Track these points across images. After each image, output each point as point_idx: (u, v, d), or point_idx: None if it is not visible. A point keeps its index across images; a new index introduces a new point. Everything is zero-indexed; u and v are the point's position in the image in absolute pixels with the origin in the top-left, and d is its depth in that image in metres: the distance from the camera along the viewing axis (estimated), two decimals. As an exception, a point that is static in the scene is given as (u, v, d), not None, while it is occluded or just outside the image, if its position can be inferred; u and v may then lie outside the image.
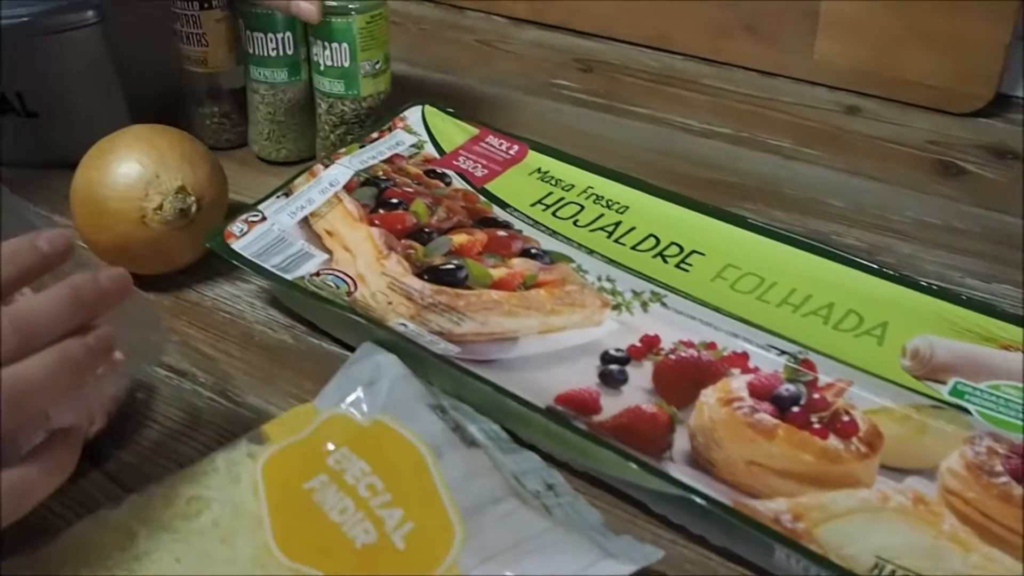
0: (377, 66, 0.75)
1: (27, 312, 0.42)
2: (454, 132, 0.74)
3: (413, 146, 0.72)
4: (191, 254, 0.68)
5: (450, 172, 0.69)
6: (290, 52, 0.76)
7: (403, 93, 0.79)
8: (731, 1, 0.90)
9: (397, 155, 0.71)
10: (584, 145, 0.80)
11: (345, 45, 0.73)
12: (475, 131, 0.74)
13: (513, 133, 0.74)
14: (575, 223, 0.65)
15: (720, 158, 0.80)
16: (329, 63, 0.74)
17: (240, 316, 0.66)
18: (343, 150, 0.71)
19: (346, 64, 0.73)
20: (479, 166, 0.70)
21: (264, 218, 0.65)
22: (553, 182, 0.69)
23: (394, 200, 0.66)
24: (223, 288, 0.69)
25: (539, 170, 0.70)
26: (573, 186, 0.68)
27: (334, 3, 0.72)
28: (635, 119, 0.86)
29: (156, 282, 0.68)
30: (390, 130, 0.73)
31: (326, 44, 0.73)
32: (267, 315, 0.66)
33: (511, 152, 0.72)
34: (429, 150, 0.72)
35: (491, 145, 0.72)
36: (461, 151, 0.72)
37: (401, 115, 0.75)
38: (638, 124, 0.85)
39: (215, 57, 0.80)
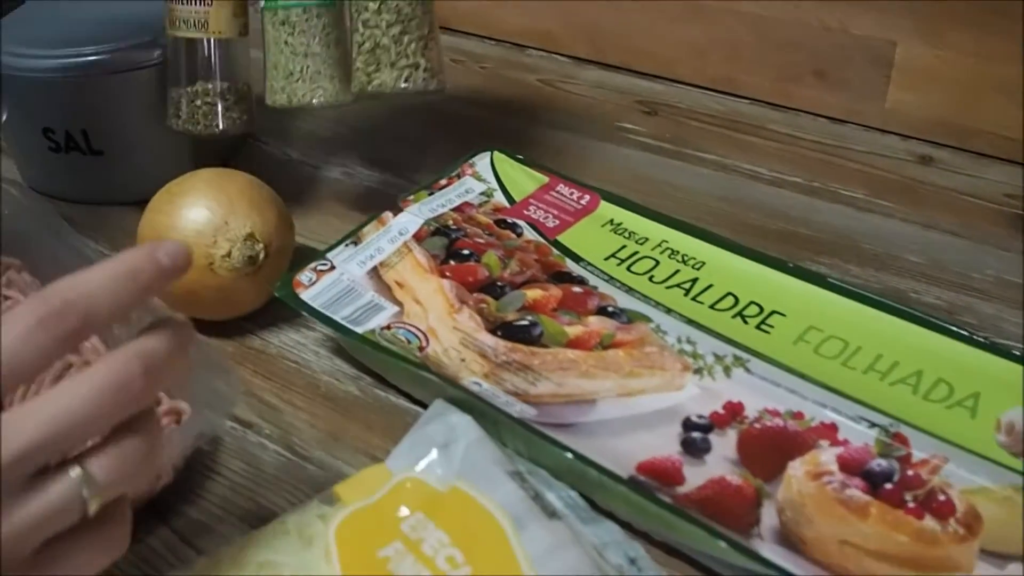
0: None
1: (84, 294, 0.38)
2: (524, 180, 0.72)
3: (483, 194, 0.71)
4: (257, 300, 0.67)
5: (521, 222, 0.68)
6: None
7: (468, 135, 0.78)
8: (800, 45, 0.88)
9: (467, 203, 0.70)
10: (653, 192, 0.79)
11: None
12: (545, 179, 0.73)
13: (583, 182, 0.72)
14: (651, 279, 0.64)
15: (792, 209, 0.79)
16: None
17: (305, 365, 0.65)
18: (411, 197, 0.69)
19: None
20: (550, 216, 0.69)
21: (333, 267, 0.64)
22: (626, 235, 0.67)
23: (465, 251, 0.65)
24: (287, 335, 0.68)
25: (611, 221, 0.69)
26: (647, 239, 0.67)
27: None
28: (703, 166, 0.84)
29: (220, 328, 0.67)
30: (459, 177, 0.72)
31: None
32: (332, 365, 0.65)
33: (582, 202, 0.70)
34: (499, 198, 0.71)
35: (562, 194, 0.71)
36: (532, 200, 0.71)
37: (470, 161, 0.73)
38: (706, 171, 0.84)
39: (219, 19, 0.69)
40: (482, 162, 0.74)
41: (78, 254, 0.68)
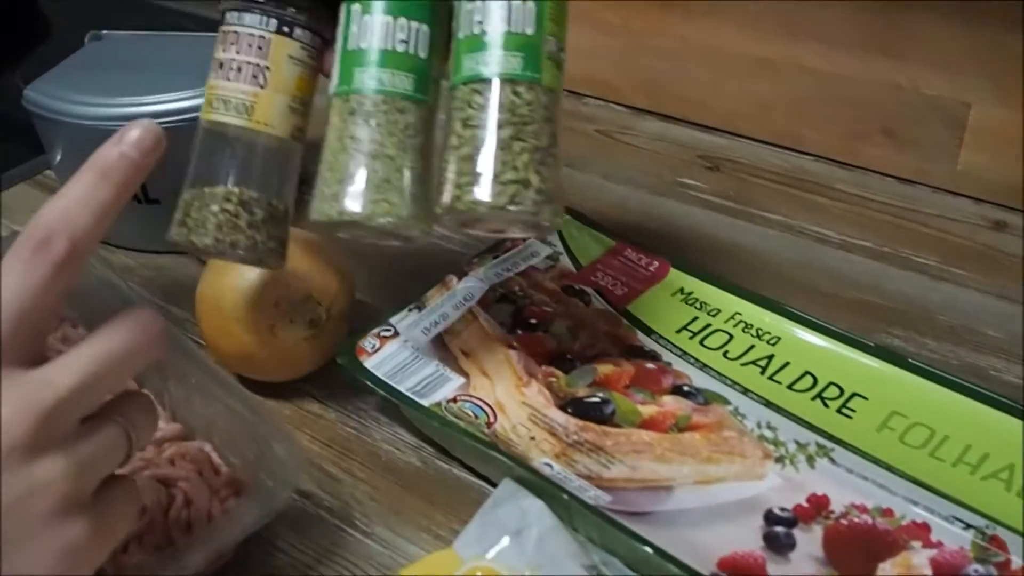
0: (560, 52, 0.51)
1: (62, 214, 0.39)
2: (591, 244, 0.70)
3: (548, 258, 0.69)
4: (316, 362, 0.66)
5: (589, 290, 0.66)
6: (423, 53, 0.51)
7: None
8: (869, 103, 0.86)
9: (532, 268, 0.68)
10: (719, 255, 0.77)
11: (531, 4, 0.49)
12: (612, 243, 0.71)
13: (651, 248, 0.71)
14: (725, 354, 0.61)
15: (863, 275, 0.76)
16: (503, 28, 0.49)
17: (365, 433, 0.64)
18: (476, 260, 0.68)
19: (528, 31, 0.49)
20: (619, 283, 0.67)
21: (396, 333, 0.62)
22: (698, 305, 0.65)
23: (532, 320, 0.63)
24: (346, 399, 0.66)
25: (682, 290, 0.67)
26: (719, 311, 0.65)
27: None
28: (769, 226, 0.82)
29: (277, 389, 0.66)
30: (524, 240, 0.70)
31: (503, 2, 0.49)
32: (393, 433, 0.64)
33: (651, 268, 0.69)
34: (565, 263, 0.69)
35: (630, 260, 0.69)
36: (599, 265, 0.69)
37: (534, 223, 0.71)
38: (773, 232, 0.82)
39: (268, 108, 0.53)
40: (547, 224, 0.72)
41: (124, 299, 0.66)
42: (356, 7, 0.51)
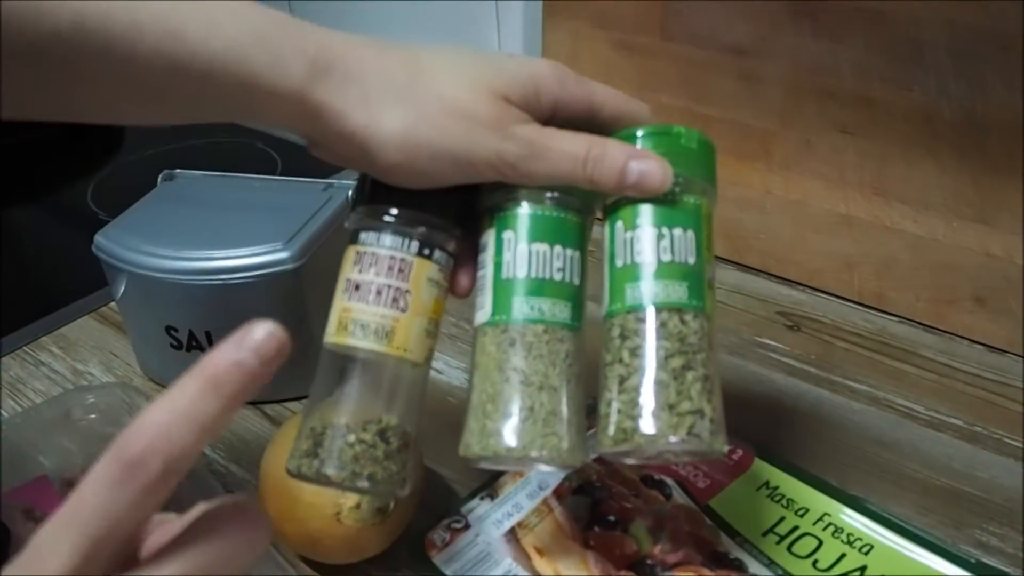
0: (712, 279, 0.50)
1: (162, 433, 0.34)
2: (671, 426, 0.67)
3: (627, 442, 0.66)
4: (383, 545, 0.63)
5: (669, 480, 0.63)
6: (577, 280, 0.51)
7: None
8: (959, 269, 0.83)
9: (610, 453, 0.65)
10: (802, 431, 0.74)
11: (691, 233, 0.49)
12: (694, 426, 0.68)
13: (732, 425, 0.67)
14: (815, 564, 0.58)
15: (954, 459, 0.72)
16: (667, 258, 0.48)
17: (431, 621, 0.61)
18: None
19: (691, 260, 0.48)
20: (700, 474, 0.64)
21: (468, 526, 0.59)
22: (784, 503, 0.62)
23: (611, 517, 0.60)
24: (412, 583, 0.63)
25: (767, 484, 0.63)
26: (807, 511, 0.61)
27: (676, 175, 0.49)
28: (854, 398, 0.79)
29: (341, 572, 0.63)
30: (601, 419, 0.67)
31: (662, 231, 0.49)
32: (460, 624, 0.60)
33: (734, 457, 0.65)
34: (644, 447, 0.66)
35: (712, 447, 0.66)
36: (680, 452, 0.66)
37: (612, 399, 0.69)
38: (858, 405, 0.78)
39: (408, 333, 0.50)
40: (625, 401, 0.69)
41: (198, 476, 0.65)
42: (509, 235, 0.51)
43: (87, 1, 0.42)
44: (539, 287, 0.49)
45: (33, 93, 0.44)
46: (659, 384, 0.46)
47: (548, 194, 0.51)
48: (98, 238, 0.77)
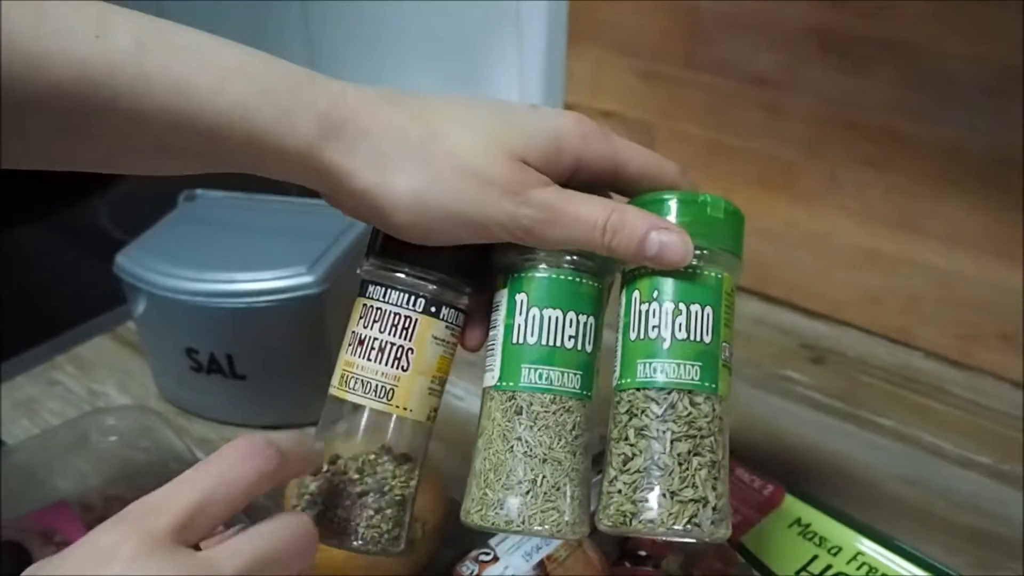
0: (731, 358, 0.48)
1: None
2: (700, 461, 0.67)
3: (656, 475, 0.65)
4: (409, 572, 0.62)
5: (700, 516, 0.62)
6: (589, 347, 0.48)
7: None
8: (986, 305, 0.83)
9: (639, 486, 0.64)
10: (828, 467, 0.74)
11: (709, 310, 0.46)
12: (723, 461, 0.67)
13: (758, 457, 0.67)
14: (849, 605, 0.57)
15: (982, 498, 0.72)
16: (681, 336, 0.46)
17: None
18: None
19: (706, 339, 0.46)
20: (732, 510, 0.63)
21: (496, 558, 0.58)
22: (817, 541, 0.61)
23: (641, 552, 0.59)
24: (436, 615, 0.62)
25: (799, 522, 0.63)
26: (840, 549, 0.61)
27: (696, 249, 0.46)
28: (880, 434, 0.78)
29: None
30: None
31: (679, 307, 0.46)
32: (485, 661, 0.59)
33: (765, 493, 0.65)
34: (673, 481, 0.65)
35: (742, 482, 0.65)
36: (710, 487, 0.65)
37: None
38: (884, 441, 0.77)
39: (409, 392, 0.49)
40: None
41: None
42: (521, 297, 0.49)
43: (94, 52, 0.40)
44: (549, 355, 0.47)
45: (34, 145, 0.42)
46: (662, 469, 0.44)
47: (566, 257, 0.48)
48: (119, 258, 0.76)
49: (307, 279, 0.72)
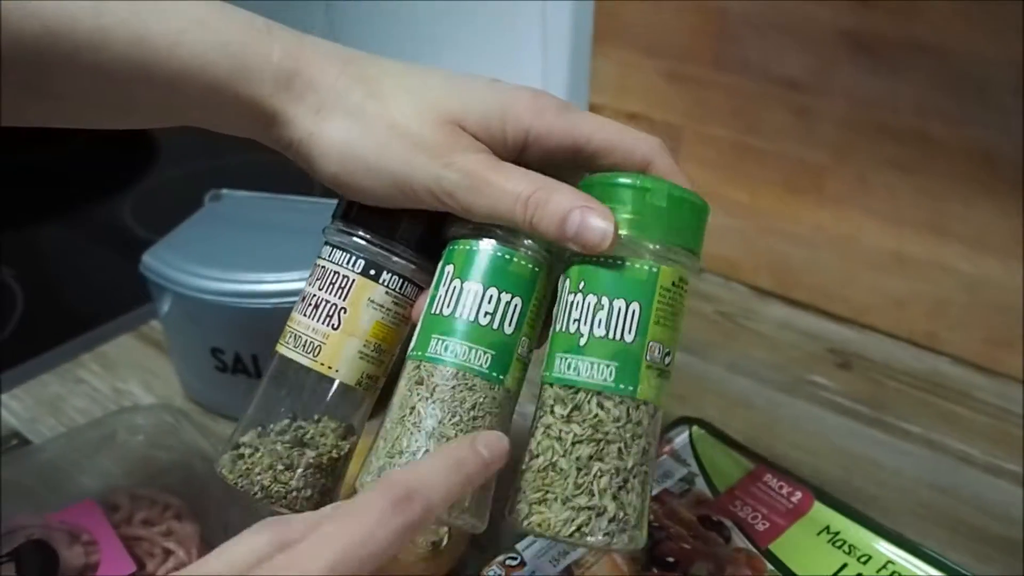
0: (667, 359, 0.44)
1: (424, 483, 0.39)
2: (728, 466, 0.66)
3: (683, 480, 0.65)
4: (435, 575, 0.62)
5: (728, 523, 0.62)
6: (509, 329, 0.46)
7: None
8: (1014, 310, 0.82)
9: (666, 491, 0.64)
10: (856, 472, 0.73)
11: (635, 306, 0.43)
12: (751, 467, 0.66)
13: (785, 462, 0.66)
14: (879, 614, 0.56)
15: (1011, 506, 0.71)
16: (600, 332, 0.43)
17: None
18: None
19: (628, 338, 0.43)
20: (759, 516, 0.63)
21: (523, 563, 0.58)
22: (846, 549, 0.61)
23: (670, 559, 0.58)
24: (462, 620, 0.62)
25: (828, 529, 0.62)
26: (869, 558, 0.60)
27: (625, 234, 0.43)
28: (907, 440, 0.77)
29: (389, 606, 0.62)
30: (656, 457, 0.66)
31: (601, 301, 0.43)
32: (511, 665, 0.59)
33: (794, 500, 0.64)
34: (701, 487, 0.64)
35: (770, 488, 0.65)
36: (738, 493, 0.64)
37: (666, 436, 0.68)
38: (911, 448, 0.77)
39: (336, 352, 0.49)
40: (680, 438, 0.68)
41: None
42: (449, 268, 0.47)
43: (54, 5, 0.41)
44: (459, 329, 0.45)
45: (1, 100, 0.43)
46: (559, 472, 0.43)
47: (499, 232, 0.46)
48: (145, 258, 0.76)
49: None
